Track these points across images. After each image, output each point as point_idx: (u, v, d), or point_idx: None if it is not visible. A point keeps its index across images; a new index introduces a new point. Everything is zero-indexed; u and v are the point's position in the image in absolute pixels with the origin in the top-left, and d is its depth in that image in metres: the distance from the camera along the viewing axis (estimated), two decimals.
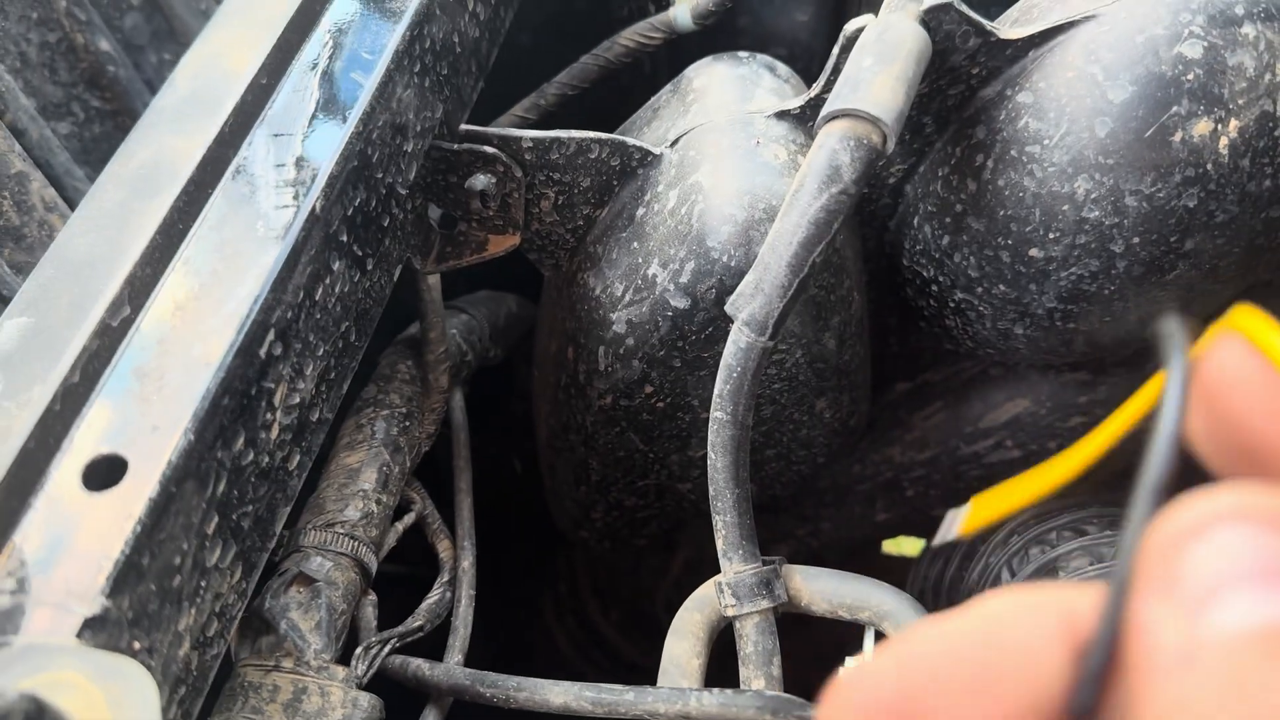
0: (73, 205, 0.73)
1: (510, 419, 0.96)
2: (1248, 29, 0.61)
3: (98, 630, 0.44)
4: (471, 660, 0.68)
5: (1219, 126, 0.61)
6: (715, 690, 0.55)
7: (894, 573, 0.93)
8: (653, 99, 0.77)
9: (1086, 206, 0.64)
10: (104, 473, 0.48)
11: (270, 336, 0.52)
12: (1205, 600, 0.21)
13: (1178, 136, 0.61)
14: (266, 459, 0.53)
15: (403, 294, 0.73)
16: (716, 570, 0.64)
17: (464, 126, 0.67)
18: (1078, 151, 0.63)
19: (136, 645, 0.47)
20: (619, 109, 0.80)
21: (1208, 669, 0.20)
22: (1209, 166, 0.62)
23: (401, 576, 0.81)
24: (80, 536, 0.46)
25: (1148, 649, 0.21)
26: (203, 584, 0.51)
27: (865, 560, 1.02)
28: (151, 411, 0.50)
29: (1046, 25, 0.65)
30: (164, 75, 0.63)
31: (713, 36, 0.81)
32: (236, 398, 0.50)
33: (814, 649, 0.78)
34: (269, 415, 0.53)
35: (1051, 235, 0.65)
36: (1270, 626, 0.20)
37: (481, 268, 0.75)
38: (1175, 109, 0.61)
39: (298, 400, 0.55)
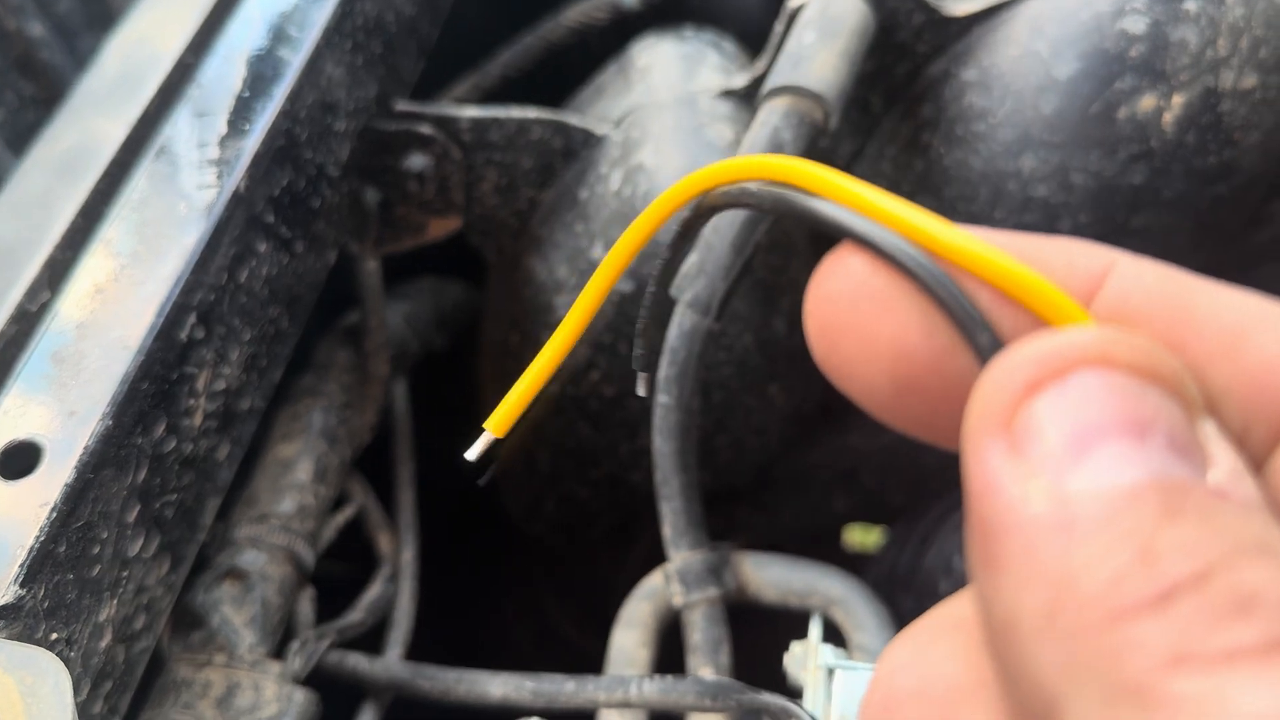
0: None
1: (463, 411, 0.95)
2: (1190, 4, 0.60)
3: (11, 620, 0.43)
4: (424, 657, 0.67)
5: (1163, 102, 0.60)
6: (655, 677, 0.53)
7: (853, 562, 0.92)
8: (596, 76, 0.76)
9: (1033, 184, 0.63)
10: (19, 460, 0.47)
11: (191, 319, 0.50)
12: (1070, 457, 0.18)
13: (1122, 112, 0.61)
14: (191, 447, 0.52)
15: (348, 282, 0.72)
16: None
17: (400, 106, 0.65)
18: (1023, 128, 0.62)
19: (54, 636, 0.45)
20: (564, 88, 0.78)
21: (1091, 535, 0.18)
22: (1154, 142, 0.61)
23: (351, 578, 0.79)
24: None
25: (1009, 516, 0.18)
26: (125, 575, 0.49)
27: (826, 550, 1.01)
28: (69, 397, 0.48)
29: (992, 2, 0.64)
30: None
31: (660, 15, 0.80)
32: (156, 382, 0.49)
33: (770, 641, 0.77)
34: (192, 401, 0.51)
35: (999, 214, 0.64)
36: (1155, 480, 0.18)
37: (430, 255, 0.73)
38: (1119, 84, 0.60)
39: (223, 387, 0.53)
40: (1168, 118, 0.60)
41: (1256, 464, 0.21)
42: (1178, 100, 0.60)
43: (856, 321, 0.23)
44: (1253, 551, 0.17)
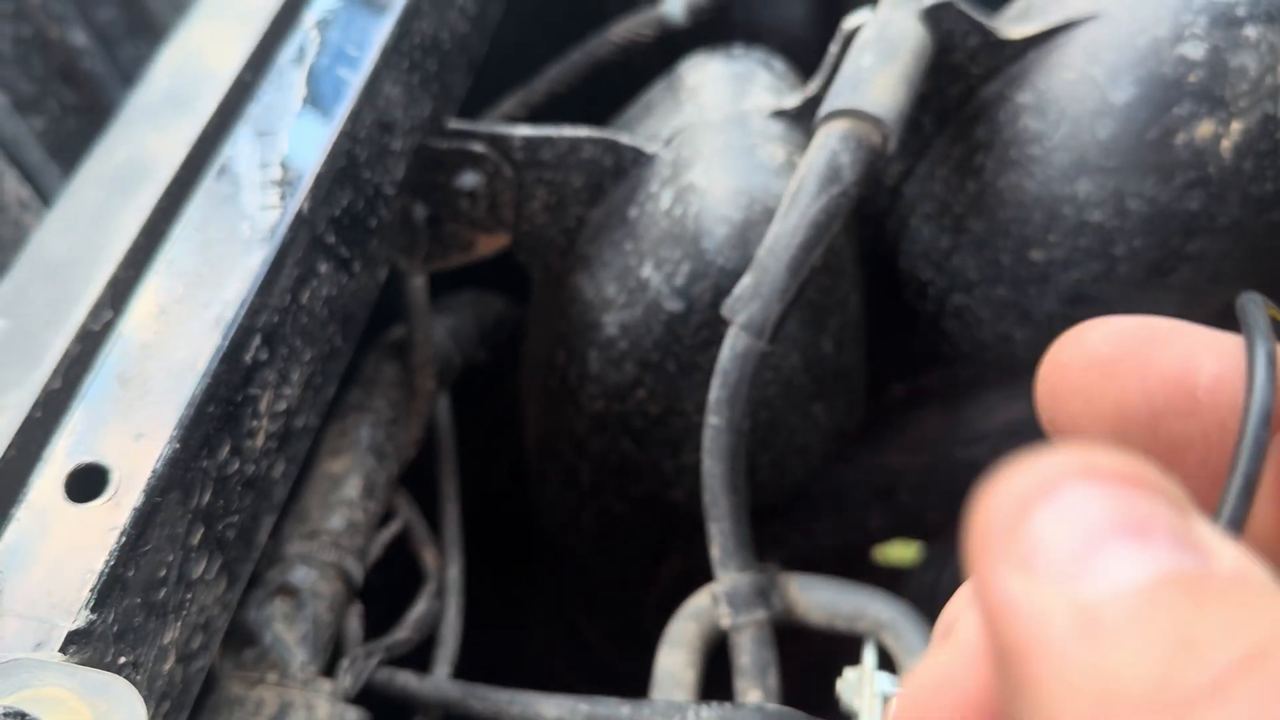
0: (48, 203, 0.71)
1: (497, 423, 0.95)
2: (1249, 30, 0.60)
3: (82, 645, 0.43)
4: (458, 672, 0.66)
5: (1221, 128, 0.60)
6: (714, 704, 0.53)
7: (888, 578, 0.92)
8: (645, 94, 0.76)
9: (1088, 209, 0.63)
10: (86, 483, 0.46)
11: (256, 342, 0.50)
12: (1079, 563, 0.18)
13: (1180, 138, 0.60)
14: (252, 468, 0.52)
15: (383, 294, 0.72)
16: (708, 579, 0.62)
17: (453, 124, 0.65)
18: (1079, 153, 0.62)
19: (121, 660, 0.45)
20: (609, 105, 0.78)
21: (1123, 636, 0.17)
22: (1211, 169, 0.61)
23: (389, 588, 0.79)
24: (63, 549, 0.44)
25: (1032, 631, 0.18)
26: (188, 597, 0.49)
27: (860, 567, 1.01)
28: (135, 419, 0.48)
29: (1047, 25, 0.64)
30: (140, 69, 0.61)
31: (707, 33, 0.80)
32: (222, 405, 0.49)
33: (806, 659, 0.77)
34: (255, 423, 0.51)
35: (1053, 237, 0.64)
36: (1171, 574, 0.18)
37: (468, 268, 0.73)
38: (1177, 110, 0.60)
39: (284, 407, 0.53)
40: (1225, 144, 0.60)
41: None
42: (1236, 126, 0.60)
43: (1084, 387, 0.25)
44: None
